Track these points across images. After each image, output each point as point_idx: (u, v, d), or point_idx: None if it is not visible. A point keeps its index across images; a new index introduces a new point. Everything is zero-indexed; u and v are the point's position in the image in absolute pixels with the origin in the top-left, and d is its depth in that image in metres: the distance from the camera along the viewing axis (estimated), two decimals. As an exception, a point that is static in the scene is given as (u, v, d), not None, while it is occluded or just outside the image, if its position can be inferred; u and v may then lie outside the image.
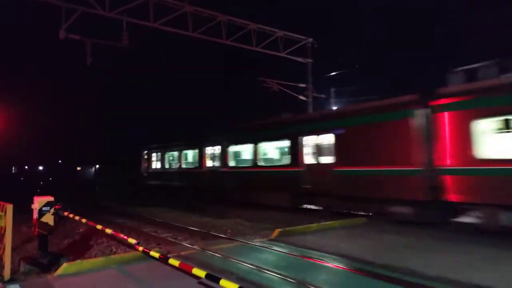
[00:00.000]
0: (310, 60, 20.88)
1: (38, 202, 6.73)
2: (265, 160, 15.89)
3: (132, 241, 6.34)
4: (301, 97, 21.17)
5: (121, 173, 47.60)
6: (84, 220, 7.45)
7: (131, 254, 6.94)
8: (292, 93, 21.31)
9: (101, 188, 38.05)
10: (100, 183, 46.94)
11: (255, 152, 15.64)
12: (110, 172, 53.88)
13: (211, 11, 16.96)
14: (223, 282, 4.31)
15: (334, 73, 22.07)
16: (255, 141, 15.60)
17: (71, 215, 7.45)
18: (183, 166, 21.26)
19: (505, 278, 5.61)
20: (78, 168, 73.39)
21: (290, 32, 19.69)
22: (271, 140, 15.37)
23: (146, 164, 25.79)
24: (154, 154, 24.88)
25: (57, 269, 6.13)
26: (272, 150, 15.95)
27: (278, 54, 19.42)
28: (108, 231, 6.86)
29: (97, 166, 67.06)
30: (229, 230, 10.51)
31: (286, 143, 14.37)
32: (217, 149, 17.97)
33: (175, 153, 22.40)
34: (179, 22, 16.45)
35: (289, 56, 19.95)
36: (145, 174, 25.74)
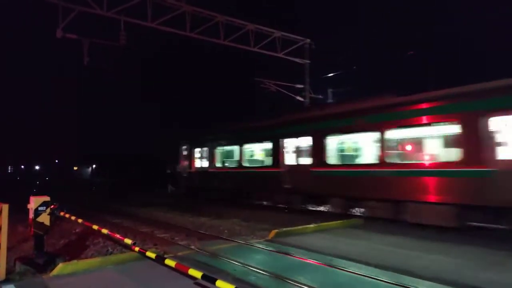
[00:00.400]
0: (308, 61, 20.93)
1: (34, 201, 6.71)
2: (402, 156, 10.74)
3: (128, 241, 6.33)
4: (299, 98, 21.22)
5: (124, 173, 47.60)
6: (80, 220, 7.44)
7: (127, 254, 6.92)
8: (289, 93, 21.34)
9: (98, 188, 37.97)
10: (97, 183, 46.86)
11: (382, 145, 10.62)
12: (110, 171, 53.78)
13: (209, 11, 16.98)
14: (219, 283, 4.31)
15: (331, 74, 22.09)
16: (381, 128, 10.63)
17: (67, 215, 7.43)
18: (245, 164, 16.15)
19: (503, 279, 5.64)
20: (75, 168, 73.18)
21: (288, 33, 19.76)
22: (413, 125, 10.15)
23: (186, 162, 20.33)
24: (198, 150, 19.51)
25: (53, 269, 6.10)
26: (424, 140, 10.66)
27: (276, 54, 19.47)
28: (104, 231, 6.85)
29: (94, 165, 66.92)
30: (226, 231, 10.50)
31: (452, 129, 9.39)
32: (304, 142, 13.40)
33: (233, 148, 17.26)
34: (177, 22, 16.47)
35: (286, 57, 20.00)
36: (184, 175, 20.51)
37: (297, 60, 20.59)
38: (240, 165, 16.25)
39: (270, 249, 7.49)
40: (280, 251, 7.27)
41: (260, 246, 7.81)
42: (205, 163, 18.76)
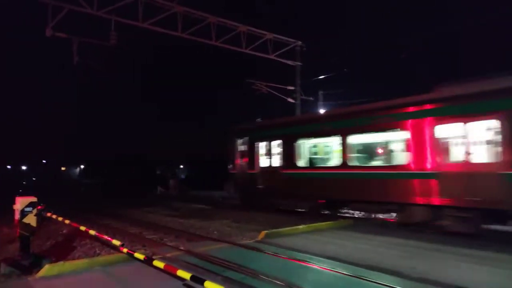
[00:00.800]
0: (299, 63, 21.04)
1: (20, 202, 6.61)
2: None
3: (116, 242, 6.27)
4: (290, 100, 21.30)
5: (114, 174, 47.25)
6: (67, 221, 7.35)
7: (115, 255, 6.86)
8: (280, 95, 21.42)
9: (88, 189, 37.54)
10: (86, 184, 46.34)
11: None
12: (100, 172, 53.29)
13: (201, 12, 16.96)
14: (208, 284, 4.30)
15: (322, 76, 22.22)
16: None
17: (54, 216, 7.34)
18: (353, 163, 11.36)
19: (491, 280, 5.74)
20: (63, 168, 72.22)
21: (280, 35, 19.85)
22: None
23: (244, 161, 15.54)
24: (264, 144, 14.70)
25: (38, 271, 6.02)
26: None
27: (268, 56, 19.53)
28: (92, 232, 6.79)
29: (82, 166, 66.20)
30: (215, 232, 10.48)
31: None
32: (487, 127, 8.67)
33: (329, 141, 12.64)
34: (169, 22, 16.42)
35: (278, 59, 20.08)
36: (240, 176, 15.72)
37: (288, 62, 20.68)
38: (342, 164, 11.51)
39: (260, 250, 7.50)
40: (269, 252, 7.28)
41: (250, 247, 7.81)
42: (276, 161, 14.07)
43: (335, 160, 12.08)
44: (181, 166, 48.45)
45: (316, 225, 10.42)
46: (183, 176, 43.45)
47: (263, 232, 9.05)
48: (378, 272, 5.92)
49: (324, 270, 6.11)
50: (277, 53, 19.87)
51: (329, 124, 12.29)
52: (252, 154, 15.17)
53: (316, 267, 6.28)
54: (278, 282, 5.34)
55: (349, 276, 5.69)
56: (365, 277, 5.57)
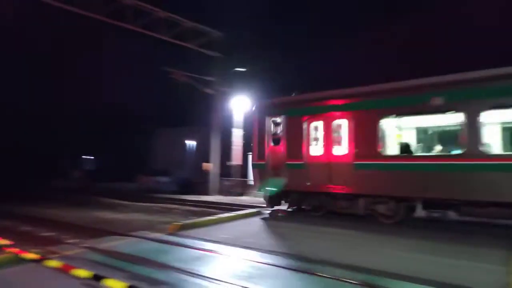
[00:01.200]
0: (218, 54, 21.03)
1: None
2: None
3: (3, 242, 5.58)
4: (208, 91, 21.20)
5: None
6: None
7: (3, 257, 6.06)
8: (199, 85, 21.17)
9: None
10: None
11: None
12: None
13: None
14: (108, 281, 4.11)
15: (239, 69, 22.52)
16: None
17: None
18: (490, 150, 8.36)
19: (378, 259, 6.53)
20: None
21: (199, 24, 19.56)
22: None
23: (282, 148, 11.04)
24: (316, 124, 10.52)
25: None
26: None
27: (186, 45, 19.11)
28: (-28, 231, 5.91)
29: None
30: (123, 226, 10.00)
31: None
32: None
33: (447, 119, 9.15)
34: (83, 1, 15.00)
35: (197, 48, 19.78)
36: (273, 170, 11.09)
37: (208, 52, 20.51)
38: (467, 152, 8.12)
39: (170, 242, 7.37)
40: (181, 244, 7.21)
41: (159, 240, 7.63)
42: (340, 148, 10.14)
43: (452, 146, 8.95)
44: (89, 157, 44.69)
45: (228, 216, 10.60)
46: (89, 167, 40.22)
47: (175, 224, 8.91)
48: (285, 257, 6.30)
49: (235, 258, 6.29)
50: (196, 42, 19.56)
51: (444, 95, 8.55)
52: (295, 138, 10.87)
53: (226, 256, 6.41)
54: (188, 274, 5.33)
55: (258, 264, 5.98)
56: (268, 262, 5.92)
